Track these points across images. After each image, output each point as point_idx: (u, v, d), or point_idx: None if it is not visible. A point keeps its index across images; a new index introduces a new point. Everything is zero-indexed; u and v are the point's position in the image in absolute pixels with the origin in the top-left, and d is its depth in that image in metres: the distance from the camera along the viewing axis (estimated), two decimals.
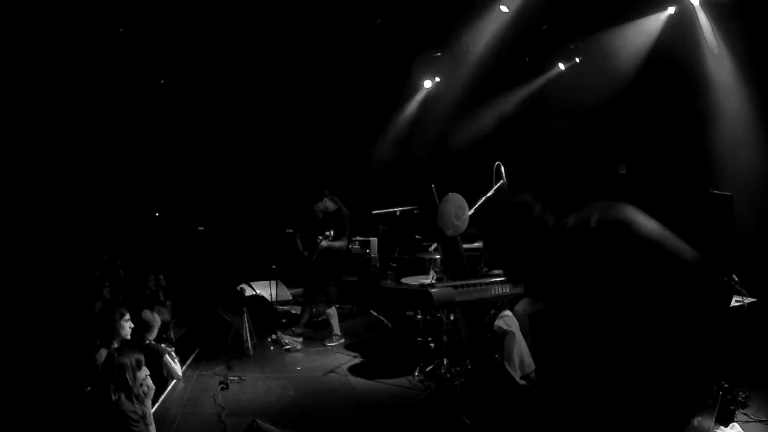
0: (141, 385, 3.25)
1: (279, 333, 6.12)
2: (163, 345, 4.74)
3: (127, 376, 3.15)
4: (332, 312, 6.30)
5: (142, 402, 3.23)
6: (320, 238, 6.10)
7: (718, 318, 1.57)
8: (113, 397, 3.08)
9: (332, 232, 6.07)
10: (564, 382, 1.73)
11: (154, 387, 3.41)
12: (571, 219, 1.77)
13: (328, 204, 6.21)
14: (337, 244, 6.10)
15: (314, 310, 6.25)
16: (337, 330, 6.31)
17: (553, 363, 1.87)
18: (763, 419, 3.56)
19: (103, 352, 3.83)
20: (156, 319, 4.67)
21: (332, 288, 6.21)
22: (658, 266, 1.56)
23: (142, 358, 3.31)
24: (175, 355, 4.83)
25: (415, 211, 5.90)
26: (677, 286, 1.54)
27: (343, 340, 6.25)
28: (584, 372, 1.65)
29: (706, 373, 1.65)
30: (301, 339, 6.09)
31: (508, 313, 4.48)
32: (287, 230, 7.04)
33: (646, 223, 1.65)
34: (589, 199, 1.81)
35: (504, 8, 6.24)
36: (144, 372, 3.29)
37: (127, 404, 3.11)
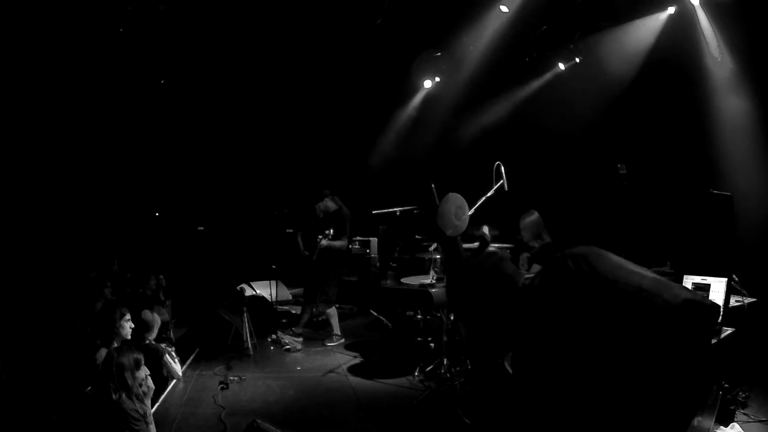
0: (141, 384, 3.26)
1: (279, 333, 6.12)
2: (163, 345, 4.74)
3: (126, 376, 3.15)
4: (332, 312, 6.30)
5: (142, 401, 3.24)
6: (320, 237, 6.10)
7: (700, 356, 1.52)
8: (114, 397, 3.08)
9: (332, 231, 6.07)
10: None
11: (153, 387, 3.41)
12: (537, 277, 1.71)
13: (329, 204, 6.22)
14: (337, 243, 6.10)
15: (314, 310, 6.25)
16: (337, 330, 6.31)
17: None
18: (763, 419, 3.56)
19: (103, 352, 3.83)
20: (156, 319, 4.67)
21: (332, 288, 6.21)
22: (631, 315, 1.51)
23: (141, 357, 3.31)
24: (175, 355, 4.83)
25: (415, 211, 5.90)
26: (654, 330, 1.49)
27: (343, 340, 6.25)
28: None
29: (691, 410, 1.61)
30: (301, 339, 6.09)
31: None
32: (287, 230, 7.05)
33: (617, 273, 1.57)
34: (568, 233, 1.75)
35: (504, 8, 6.24)
36: (144, 372, 3.30)
37: (128, 403, 3.12)
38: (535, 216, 5.09)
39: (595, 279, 1.57)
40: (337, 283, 6.29)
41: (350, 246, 7.44)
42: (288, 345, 5.96)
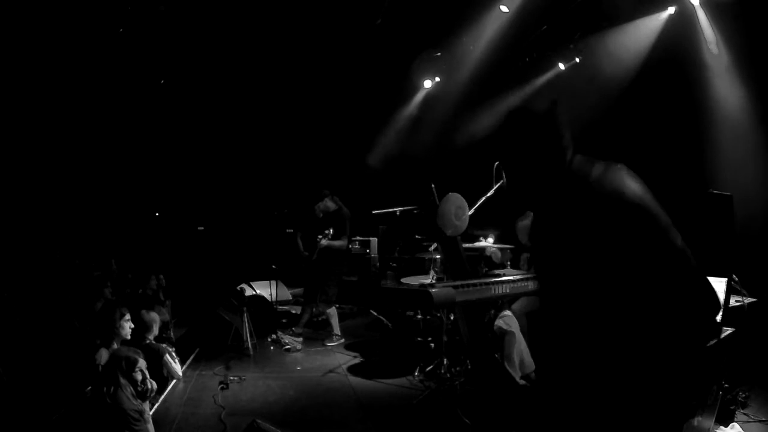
0: (140, 384, 3.28)
1: (279, 333, 6.13)
2: (163, 345, 4.74)
3: (117, 373, 3.18)
4: (332, 312, 6.30)
5: (138, 399, 3.27)
6: (320, 237, 6.11)
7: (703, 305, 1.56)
8: (108, 394, 3.11)
9: (331, 231, 6.08)
10: (562, 379, 1.73)
11: (155, 387, 3.43)
12: (576, 161, 1.73)
13: (329, 204, 6.23)
14: (336, 243, 6.11)
15: (314, 310, 6.25)
16: (337, 330, 6.31)
17: (549, 354, 1.85)
18: (763, 419, 3.56)
19: (103, 353, 3.84)
20: (155, 319, 4.67)
21: (332, 288, 6.21)
22: (641, 231, 1.55)
23: (137, 358, 3.32)
24: (175, 356, 4.82)
25: (415, 211, 5.90)
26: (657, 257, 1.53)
27: (343, 340, 6.25)
28: (579, 365, 1.65)
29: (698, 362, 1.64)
30: (301, 339, 6.09)
31: (508, 313, 4.48)
32: (287, 230, 7.05)
33: (636, 189, 1.63)
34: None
35: (504, 8, 6.25)
36: (140, 374, 3.30)
37: (127, 402, 3.14)
38: (529, 219, 5.10)
39: (618, 192, 1.61)
40: (337, 283, 6.29)
41: (350, 246, 7.44)
42: (288, 345, 5.96)
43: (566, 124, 1.80)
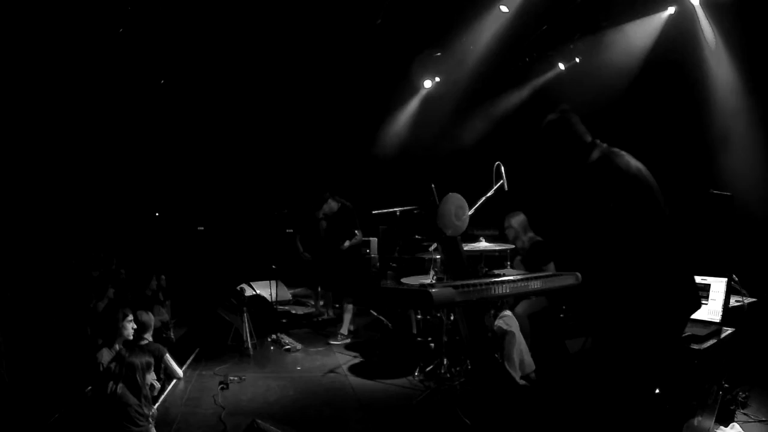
0: (150, 386, 3.33)
1: (278, 333, 6.14)
2: (159, 345, 4.74)
3: (137, 376, 3.24)
4: (349, 307, 6.34)
5: (149, 403, 3.31)
6: (346, 243, 6.33)
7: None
8: (118, 393, 3.15)
9: (356, 232, 6.33)
10: (564, 381, 1.78)
11: (159, 386, 3.49)
12: (596, 153, 2.53)
13: (333, 204, 6.33)
14: (356, 240, 6.35)
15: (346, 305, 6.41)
16: (344, 329, 6.30)
17: (553, 359, 1.99)
18: (763, 419, 3.56)
19: (104, 352, 3.85)
20: (151, 319, 4.66)
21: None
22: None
23: (152, 361, 3.40)
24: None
25: (415, 211, 5.90)
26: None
27: (348, 340, 6.26)
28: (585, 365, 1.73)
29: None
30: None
31: (508, 313, 4.48)
32: (287, 230, 7.05)
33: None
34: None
35: (504, 8, 6.25)
36: (153, 375, 3.36)
37: (132, 400, 3.18)
38: (521, 216, 5.09)
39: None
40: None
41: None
42: (288, 345, 5.97)
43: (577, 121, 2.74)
